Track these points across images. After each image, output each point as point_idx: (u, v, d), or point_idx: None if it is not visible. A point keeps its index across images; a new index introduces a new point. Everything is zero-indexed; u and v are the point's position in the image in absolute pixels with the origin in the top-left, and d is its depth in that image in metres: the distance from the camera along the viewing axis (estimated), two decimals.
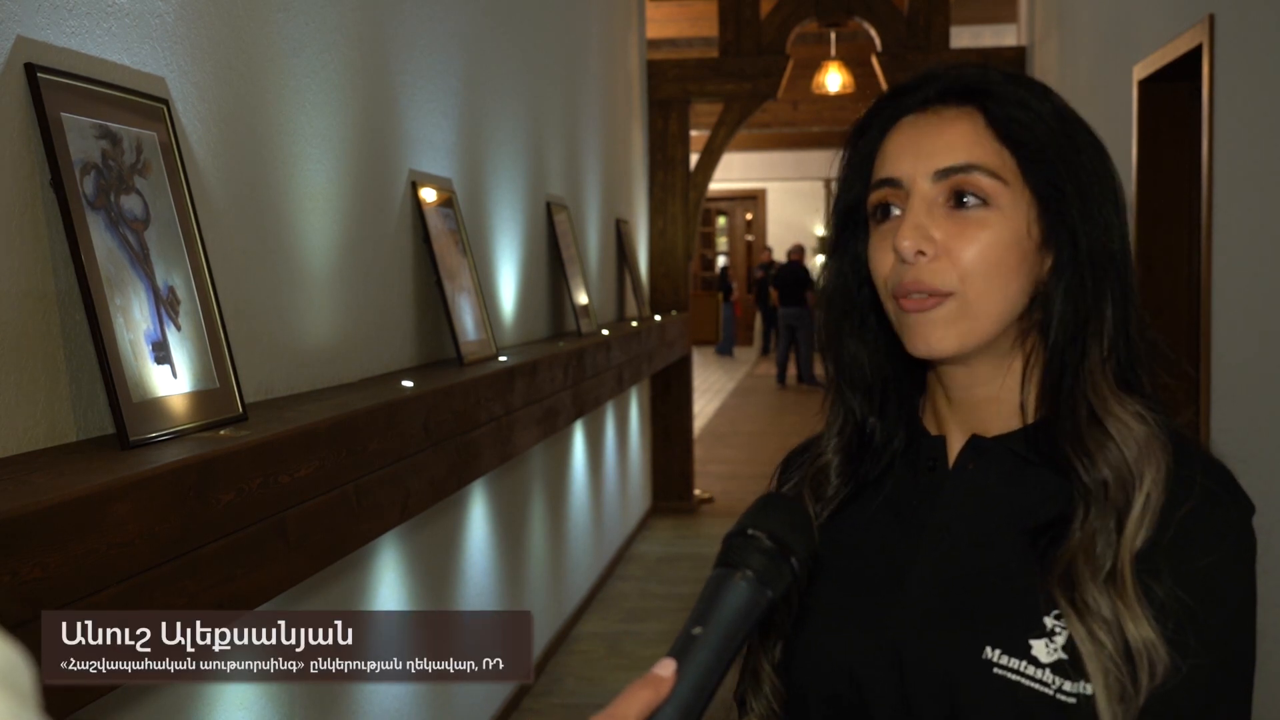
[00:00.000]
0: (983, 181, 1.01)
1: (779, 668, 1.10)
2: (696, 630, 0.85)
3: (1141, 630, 0.94)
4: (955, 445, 1.09)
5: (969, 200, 1.02)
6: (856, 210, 1.10)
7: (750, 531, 0.89)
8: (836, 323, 1.12)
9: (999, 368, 1.06)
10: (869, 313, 1.10)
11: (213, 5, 2.19)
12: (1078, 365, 1.02)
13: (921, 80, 1.08)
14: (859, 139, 1.10)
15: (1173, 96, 4.51)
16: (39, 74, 1.66)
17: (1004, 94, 1.03)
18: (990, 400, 1.07)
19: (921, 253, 1.01)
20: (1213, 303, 3.74)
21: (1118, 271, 1.03)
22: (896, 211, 1.04)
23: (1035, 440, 1.04)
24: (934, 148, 1.03)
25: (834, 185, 1.13)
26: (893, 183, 1.04)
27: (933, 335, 1.02)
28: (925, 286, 1.01)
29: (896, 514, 1.09)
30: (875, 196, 1.06)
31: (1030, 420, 1.05)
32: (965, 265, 1.01)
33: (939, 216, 1.02)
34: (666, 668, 0.83)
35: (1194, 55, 3.92)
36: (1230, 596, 0.97)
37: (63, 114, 1.70)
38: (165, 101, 1.98)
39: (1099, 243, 1.02)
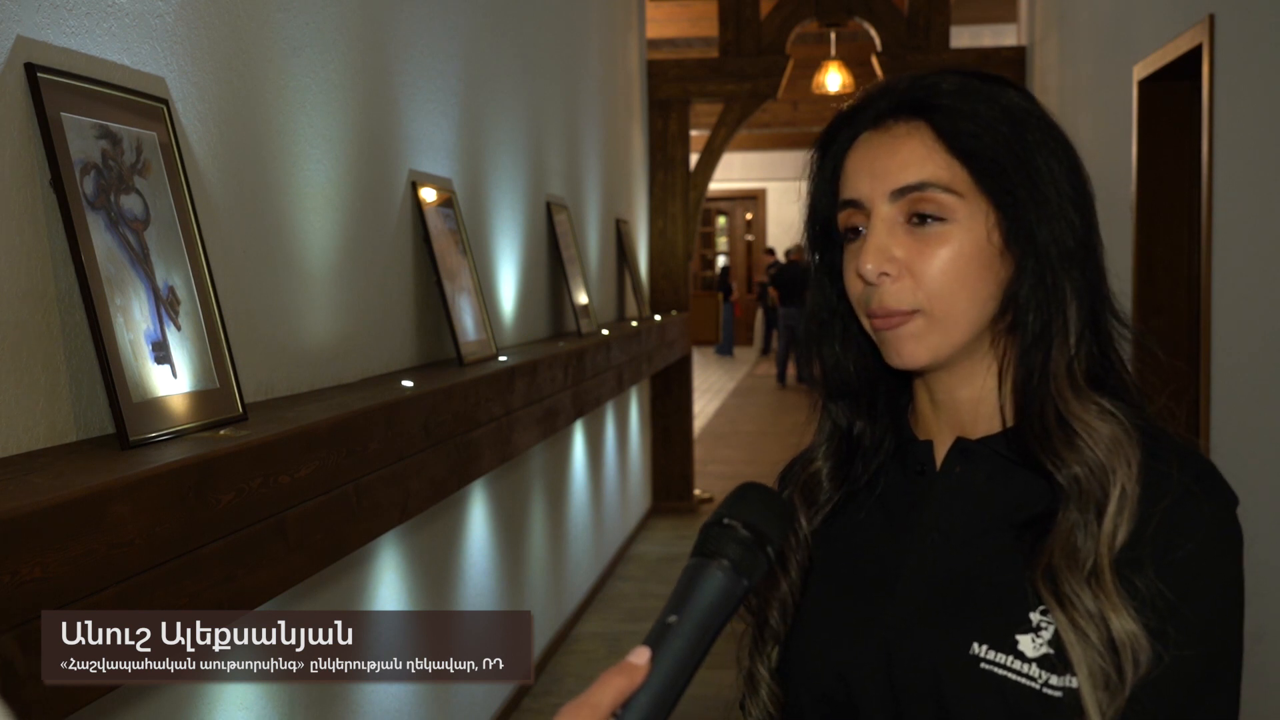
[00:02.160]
0: (938, 197, 1.03)
1: (775, 673, 1.11)
2: (671, 619, 0.85)
3: (1124, 623, 0.94)
4: (942, 448, 1.10)
5: (929, 218, 1.03)
6: (827, 227, 1.12)
7: (726, 521, 0.89)
8: (818, 332, 1.15)
9: (978, 369, 1.08)
10: (850, 320, 1.12)
11: (213, 5, 2.19)
12: (1043, 368, 1.03)
13: (875, 95, 1.09)
14: (822, 157, 1.12)
15: (1173, 96, 4.51)
16: (39, 74, 1.66)
17: (951, 106, 1.04)
18: (973, 401, 1.08)
19: (885, 274, 1.03)
20: (1213, 303, 3.74)
21: (1081, 268, 1.04)
22: (863, 230, 1.06)
23: (1013, 443, 1.05)
24: (888, 168, 1.04)
25: (801, 204, 1.16)
26: (854, 204, 1.07)
27: (905, 349, 1.05)
28: (890, 309, 1.04)
29: (888, 517, 1.10)
30: (841, 218, 1.08)
31: (1009, 422, 1.06)
32: (929, 282, 1.03)
33: (900, 235, 1.04)
34: (641, 655, 0.83)
35: (1194, 55, 3.92)
36: (1213, 588, 0.97)
37: (63, 114, 1.70)
38: (165, 101, 1.98)
39: (1058, 242, 1.03)
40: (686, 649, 0.84)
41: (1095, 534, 0.97)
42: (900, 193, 1.04)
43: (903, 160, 1.04)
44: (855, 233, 1.07)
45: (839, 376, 1.13)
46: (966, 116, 1.03)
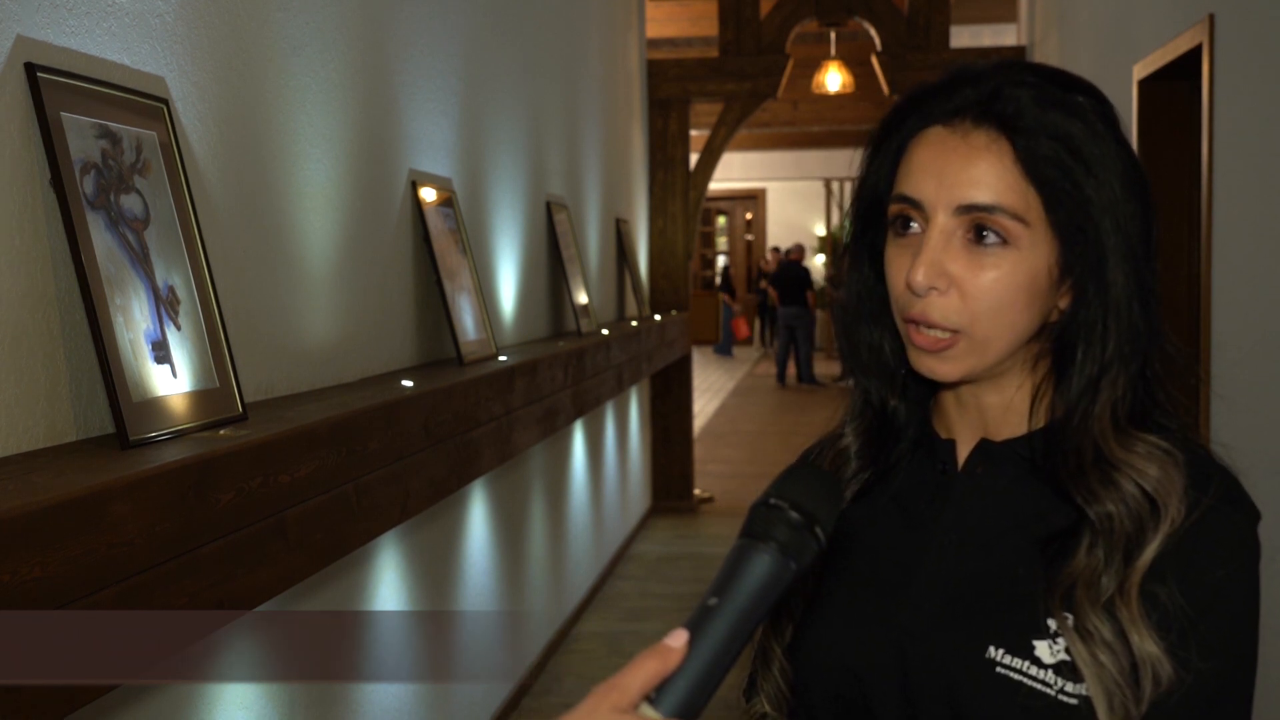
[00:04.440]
0: (1004, 223, 0.99)
1: (788, 650, 1.10)
2: (712, 601, 0.80)
3: (1146, 645, 0.94)
4: (965, 449, 1.09)
5: (988, 237, 1.00)
6: (877, 207, 1.09)
7: (774, 501, 0.84)
8: (855, 310, 1.12)
9: (1008, 381, 1.07)
10: (887, 302, 1.09)
11: (213, 5, 2.19)
12: (1086, 410, 1.01)
13: (951, 83, 1.04)
14: (886, 136, 1.08)
15: (1173, 96, 4.51)
16: (39, 73, 1.66)
17: (1035, 124, 1.00)
18: (998, 407, 1.07)
19: (934, 289, 1.01)
20: (1213, 302, 3.74)
21: (1141, 311, 1.01)
22: (915, 226, 1.03)
23: (1041, 443, 1.04)
24: (959, 180, 1.00)
25: (854, 180, 1.12)
26: (914, 203, 1.03)
27: (939, 369, 1.03)
28: (933, 322, 1.01)
29: (906, 515, 1.09)
30: (895, 210, 1.05)
31: (1033, 423, 1.05)
32: (974, 302, 1.00)
33: (956, 249, 1.01)
34: (678, 638, 0.78)
35: (1194, 55, 3.93)
36: (1235, 603, 0.97)
37: (63, 113, 1.70)
38: (165, 101, 1.98)
39: (1120, 289, 1.00)
40: (727, 633, 0.79)
41: (1121, 572, 0.96)
42: (967, 209, 1.00)
43: (975, 176, 1.00)
44: (905, 224, 1.04)
45: (876, 357, 1.11)
46: (1050, 136, 0.99)
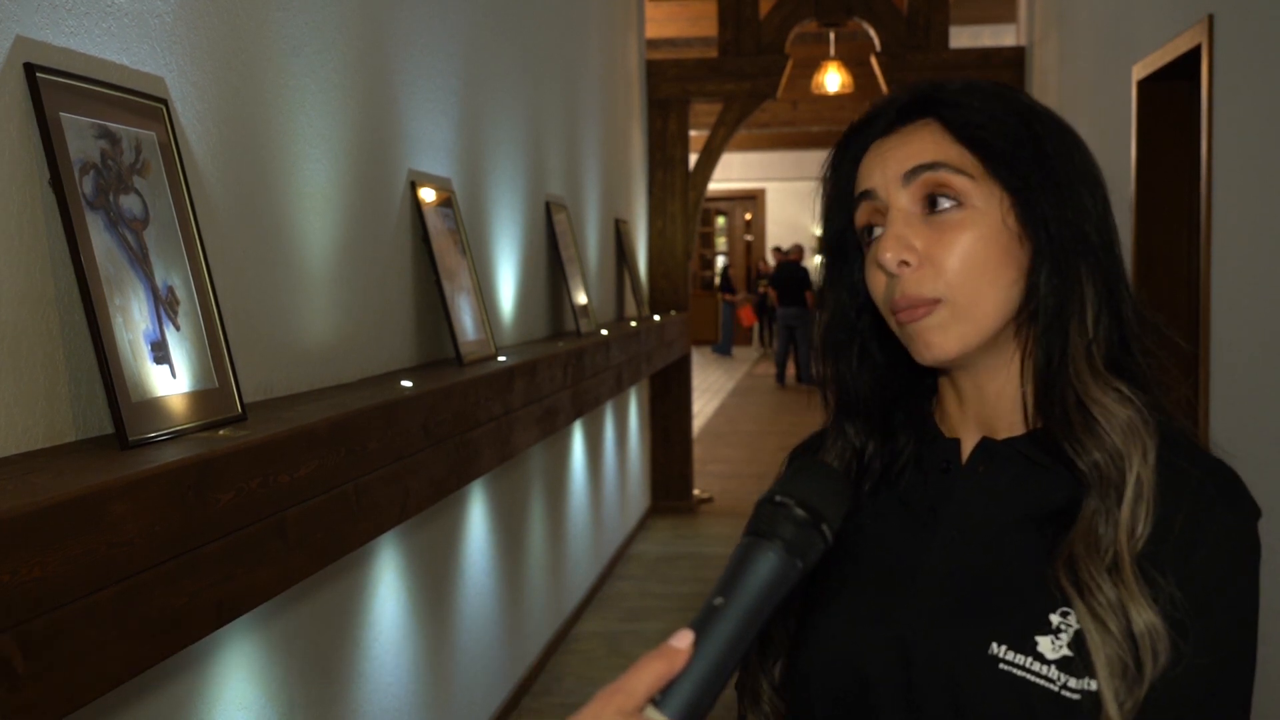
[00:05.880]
0: (951, 178, 1.03)
1: (778, 687, 1.10)
2: (718, 601, 0.79)
3: (1144, 615, 0.94)
4: (968, 447, 1.10)
5: (943, 203, 1.03)
6: (843, 240, 1.12)
7: (779, 499, 0.83)
8: (835, 352, 1.13)
9: (1003, 362, 1.07)
10: (870, 339, 1.12)
11: (212, 5, 2.19)
12: (1061, 351, 1.02)
13: (882, 107, 1.10)
14: (834, 173, 1.12)
15: (1172, 96, 4.51)
16: (38, 74, 1.66)
17: (958, 100, 1.05)
18: (1000, 396, 1.08)
19: (905, 263, 1.03)
20: (1212, 303, 3.74)
21: (1096, 255, 1.03)
22: (878, 230, 1.06)
23: (1042, 441, 1.04)
24: (900, 155, 1.05)
25: (816, 219, 1.15)
26: (868, 195, 1.06)
27: (934, 341, 1.03)
28: (914, 299, 1.03)
29: (909, 513, 1.10)
30: (860, 216, 1.08)
31: (1033, 421, 1.06)
32: (949, 272, 1.02)
33: (917, 225, 1.03)
34: (683, 639, 0.78)
35: (1193, 55, 3.93)
36: (1233, 601, 0.97)
37: (62, 114, 1.70)
38: (164, 101, 1.98)
39: (1072, 227, 1.02)
40: (733, 634, 0.78)
41: (1115, 521, 0.97)
42: (913, 173, 1.03)
43: (913, 149, 1.04)
44: (872, 233, 1.07)
45: (852, 397, 1.13)
46: (974, 110, 1.04)
